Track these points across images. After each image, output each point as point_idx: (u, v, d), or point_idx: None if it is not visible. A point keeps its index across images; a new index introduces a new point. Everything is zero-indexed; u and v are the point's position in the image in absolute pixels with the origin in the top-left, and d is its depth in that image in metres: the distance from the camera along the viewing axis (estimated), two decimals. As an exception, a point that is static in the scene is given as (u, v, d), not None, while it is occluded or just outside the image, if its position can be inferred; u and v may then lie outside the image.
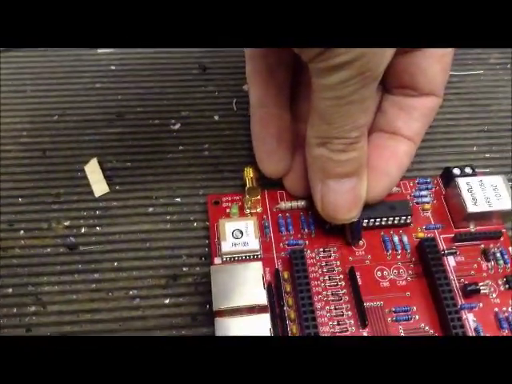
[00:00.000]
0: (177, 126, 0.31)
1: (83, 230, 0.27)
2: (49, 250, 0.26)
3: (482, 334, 0.23)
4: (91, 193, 0.28)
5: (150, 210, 0.28)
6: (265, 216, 0.27)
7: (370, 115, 0.24)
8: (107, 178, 0.28)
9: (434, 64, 0.24)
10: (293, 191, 0.27)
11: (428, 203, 0.27)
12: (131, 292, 0.25)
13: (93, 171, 0.28)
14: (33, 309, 0.24)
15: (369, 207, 0.25)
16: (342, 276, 0.25)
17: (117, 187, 0.28)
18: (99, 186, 0.28)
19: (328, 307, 0.24)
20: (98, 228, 0.27)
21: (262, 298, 0.23)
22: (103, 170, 0.29)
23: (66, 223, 0.27)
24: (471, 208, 0.26)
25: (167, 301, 0.25)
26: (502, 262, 0.26)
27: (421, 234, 0.26)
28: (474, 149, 0.31)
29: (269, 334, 0.22)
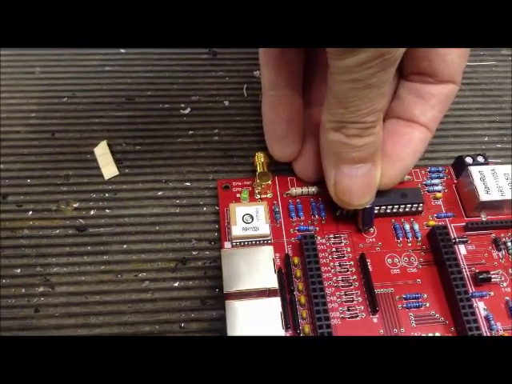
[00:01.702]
0: (187, 111, 0.31)
1: (92, 212, 0.27)
2: (58, 231, 0.26)
3: (492, 323, 0.23)
4: (100, 175, 0.28)
5: (160, 193, 0.27)
6: (275, 201, 0.27)
7: (386, 100, 0.24)
8: (117, 160, 0.28)
9: (453, 51, 0.23)
10: (302, 176, 0.27)
11: (439, 192, 0.27)
12: (140, 274, 0.25)
13: (102, 154, 0.28)
14: (41, 289, 0.24)
15: (380, 194, 0.25)
16: (352, 262, 0.25)
17: (126, 170, 0.28)
18: (109, 168, 0.28)
19: (338, 293, 0.24)
20: (107, 210, 0.27)
21: (272, 282, 0.23)
22: (113, 152, 0.29)
23: (75, 205, 0.27)
24: (484, 196, 0.25)
25: (176, 284, 0.25)
26: (513, 251, 0.25)
27: (432, 222, 0.26)
28: (486, 139, 0.31)
29: (279, 318, 0.22)
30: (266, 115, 0.26)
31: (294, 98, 0.26)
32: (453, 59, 0.24)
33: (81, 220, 0.26)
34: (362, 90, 0.20)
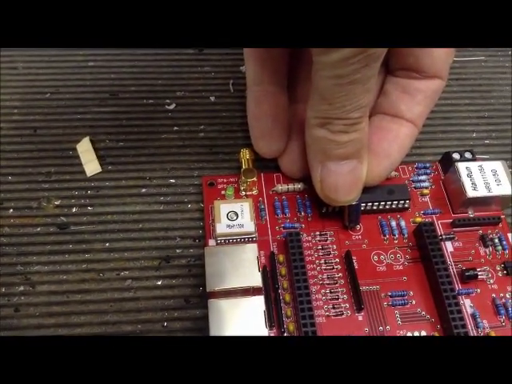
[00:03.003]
0: (172, 107, 0.30)
1: (74, 210, 0.26)
2: (39, 229, 0.26)
3: (478, 320, 0.23)
4: (83, 172, 0.27)
5: (143, 190, 0.27)
6: (261, 198, 0.26)
7: (372, 96, 0.24)
8: (99, 157, 0.28)
9: None
10: (288, 173, 0.26)
11: (426, 188, 0.27)
12: (123, 273, 0.25)
13: (85, 150, 0.28)
14: (21, 288, 0.24)
15: (367, 191, 0.25)
16: (338, 260, 0.25)
17: (109, 167, 0.28)
18: (91, 165, 0.27)
19: (323, 291, 0.24)
20: (89, 208, 0.26)
21: (256, 280, 0.22)
22: (95, 149, 0.28)
23: (57, 202, 0.26)
24: (470, 193, 0.25)
25: (159, 282, 0.24)
26: (500, 247, 0.25)
27: (418, 219, 0.26)
28: (474, 135, 0.31)
29: (263, 316, 0.21)
30: (250, 111, 0.26)
31: (279, 94, 0.25)
32: (439, 55, 0.24)
33: (62, 218, 0.26)
34: (346, 86, 0.20)
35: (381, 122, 0.25)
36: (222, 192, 0.26)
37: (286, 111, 0.25)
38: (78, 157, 0.28)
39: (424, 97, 0.24)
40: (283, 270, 0.24)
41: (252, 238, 0.25)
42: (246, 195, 0.26)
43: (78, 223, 0.26)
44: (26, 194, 0.27)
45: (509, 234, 0.26)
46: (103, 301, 0.24)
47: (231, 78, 0.32)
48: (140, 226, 0.26)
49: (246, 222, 0.25)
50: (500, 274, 0.25)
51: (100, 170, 0.27)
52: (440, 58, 0.24)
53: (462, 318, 0.22)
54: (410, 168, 0.28)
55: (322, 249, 0.25)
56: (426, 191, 0.27)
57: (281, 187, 0.26)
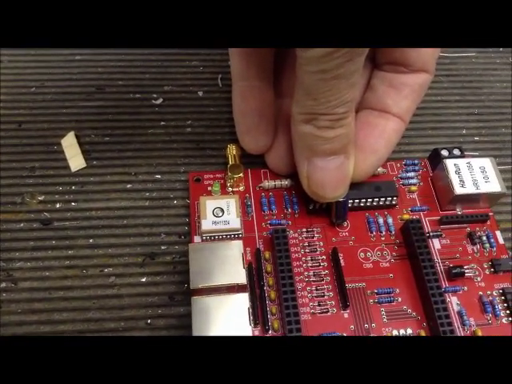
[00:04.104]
0: (159, 101, 0.30)
1: (58, 206, 0.26)
2: (22, 225, 0.25)
3: (465, 318, 0.23)
4: (67, 167, 0.27)
5: (129, 186, 0.27)
6: (247, 195, 0.26)
7: (357, 91, 0.23)
8: (84, 152, 0.27)
9: None
10: (275, 169, 0.26)
11: (414, 185, 0.27)
12: (106, 270, 0.24)
13: (69, 145, 0.27)
14: (3, 285, 0.24)
15: (354, 187, 0.24)
16: (324, 257, 0.24)
17: (94, 162, 0.27)
18: (76, 160, 0.27)
19: (309, 288, 0.23)
20: (73, 204, 0.26)
21: (241, 277, 0.22)
22: (80, 144, 0.28)
23: (41, 198, 0.26)
24: (458, 190, 0.25)
25: (144, 279, 0.24)
26: (487, 245, 0.25)
27: (406, 216, 0.26)
28: (464, 132, 0.31)
29: (247, 314, 0.21)
30: (236, 106, 0.26)
31: (264, 89, 0.25)
32: (426, 49, 0.23)
33: (46, 213, 0.26)
34: (330, 81, 0.19)
35: (367, 117, 0.24)
36: (209, 188, 0.26)
37: (272, 106, 0.25)
38: (62, 152, 0.27)
39: (411, 91, 0.24)
40: (269, 267, 0.24)
41: (238, 234, 0.24)
42: (232, 191, 0.26)
43: (62, 219, 0.25)
44: (9, 189, 0.26)
45: (497, 232, 0.26)
46: (86, 298, 0.23)
47: (220, 73, 0.31)
48: (125, 222, 0.26)
49: (232, 219, 0.24)
50: (487, 271, 0.24)
51: (85, 165, 0.27)
52: (426, 51, 0.24)
53: (448, 316, 0.22)
54: (398, 165, 0.28)
55: (309, 246, 0.25)
56: (413, 188, 0.27)
57: (268, 183, 0.26)
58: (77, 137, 0.28)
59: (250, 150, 0.26)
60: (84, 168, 0.27)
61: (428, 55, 0.23)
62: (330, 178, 0.23)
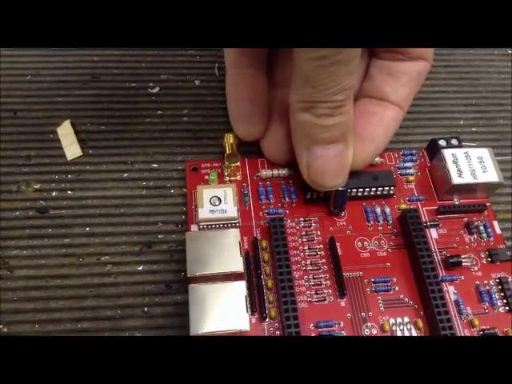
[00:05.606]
0: (155, 90, 0.30)
1: (54, 194, 0.26)
2: (18, 213, 0.25)
3: (462, 307, 0.23)
4: (63, 156, 0.27)
5: (125, 175, 0.27)
6: (244, 184, 0.26)
7: (355, 78, 0.23)
8: (80, 141, 0.27)
9: None
10: (270, 157, 0.26)
11: (412, 175, 0.27)
12: (103, 258, 0.24)
13: (65, 134, 0.27)
14: (-1, 273, 0.23)
15: (352, 177, 0.24)
16: (321, 246, 0.24)
17: (90, 151, 0.27)
18: (72, 148, 0.27)
19: (306, 277, 0.23)
20: (69, 192, 0.26)
21: (238, 265, 0.22)
22: (76, 132, 0.27)
23: (37, 186, 0.26)
24: (456, 180, 0.25)
25: (140, 268, 0.24)
26: (485, 235, 0.25)
27: (403, 206, 0.26)
28: (461, 122, 0.31)
29: (244, 302, 0.21)
30: (229, 93, 0.26)
31: (257, 77, 0.25)
32: None
33: (42, 202, 0.25)
34: (328, 68, 0.19)
35: (366, 106, 0.24)
36: (206, 177, 0.26)
37: (264, 94, 0.25)
38: (58, 140, 0.27)
39: (409, 79, 0.24)
40: (266, 256, 0.24)
41: (235, 223, 0.24)
42: (229, 180, 0.26)
43: (58, 207, 0.25)
44: (4, 177, 0.26)
45: (494, 222, 0.26)
46: (83, 286, 0.23)
47: (216, 62, 0.31)
48: (121, 210, 0.25)
49: (229, 208, 0.24)
50: (484, 261, 0.24)
51: (81, 153, 0.27)
52: None
53: (444, 305, 0.22)
54: (395, 155, 0.27)
55: (306, 235, 0.25)
56: (411, 178, 0.27)
57: (265, 172, 0.26)
58: (73, 125, 0.28)
59: (243, 138, 0.26)
60: (80, 156, 0.27)
61: None
62: (329, 166, 0.23)
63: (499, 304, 0.23)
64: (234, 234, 0.23)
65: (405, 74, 0.24)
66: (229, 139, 0.26)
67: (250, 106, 0.25)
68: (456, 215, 0.26)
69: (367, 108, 0.24)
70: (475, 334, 0.23)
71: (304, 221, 0.25)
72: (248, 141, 0.26)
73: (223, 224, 0.24)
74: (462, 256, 0.24)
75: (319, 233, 0.25)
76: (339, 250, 0.24)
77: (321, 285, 0.23)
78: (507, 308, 0.23)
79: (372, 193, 0.25)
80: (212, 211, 0.24)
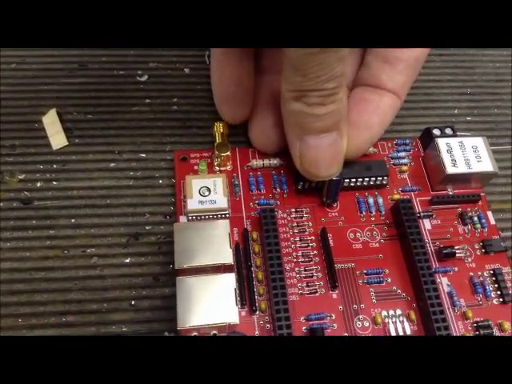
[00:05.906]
0: (144, 78, 0.29)
1: (39, 184, 0.25)
2: (1, 204, 0.24)
3: (455, 299, 0.23)
4: (49, 145, 0.26)
5: (112, 165, 0.26)
6: (235, 174, 0.25)
7: (347, 65, 0.23)
8: (66, 130, 0.26)
9: None
10: (258, 146, 0.26)
11: (405, 165, 0.26)
12: (89, 250, 0.23)
13: (51, 122, 0.26)
14: (-18, 266, 0.23)
15: (344, 167, 0.24)
16: (313, 237, 0.24)
17: (76, 140, 0.26)
18: (57, 138, 0.26)
19: (298, 268, 0.23)
20: (54, 182, 0.25)
21: (227, 257, 0.21)
22: (62, 121, 0.27)
23: (21, 176, 0.25)
24: (450, 169, 0.25)
25: (127, 260, 0.23)
26: (479, 225, 0.25)
27: (396, 196, 0.25)
28: (456, 111, 0.30)
29: (233, 294, 0.21)
30: (213, 75, 0.25)
31: (243, 59, 0.24)
32: None
33: (26, 192, 0.25)
34: (318, 55, 0.19)
35: (362, 94, 0.24)
36: (195, 167, 0.25)
37: (250, 77, 0.24)
38: (43, 129, 0.26)
39: (405, 66, 0.23)
40: (256, 248, 0.23)
41: (225, 214, 0.24)
42: (219, 170, 0.25)
43: (43, 198, 0.25)
44: (-13, 167, 0.25)
45: (488, 212, 0.25)
46: (68, 279, 0.23)
47: (207, 50, 0.30)
48: (108, 201, 0.25)
49: (219, 198, 0.24)
50: (478, 252, 0.24)
51: (66, 143, 0.26)
52: None
53: (438, 297, 0.22)
54: (389, 144, 0.27)
55: (298, 226, 0.24)
56: (404, 168, 0.26)
57: (256, 163, 0.25)
58: (58, 114, 0.27)
59: (228, 120, 0.25)
60: (66, 146, 0.26)
61: None
62: (323, 155, 0.22)
63: (493, 296, 0.23)
64: (223, 226, 0.22)
65: (402, 61, 0.23)
66: (219, 128, 0.26)
67: (233, 88, 0.24)
68: (450, 205, 0.25)
69: (363, 96, 0.24)
70: (469, 327, 0.22)
71: (295, 212, 0.24)
72: (233, 123, 0.25)
73: (213, 215, 0.24)
74: (456, 247, 0.24)
75: (311, 224, 0.24)
76: (331, 242, 0.24)
77: (312, 277, 0.23)
78: (501, 300, 0.23)
79: (365, 183, 0.25)
80: (201, 202, 0.24)
